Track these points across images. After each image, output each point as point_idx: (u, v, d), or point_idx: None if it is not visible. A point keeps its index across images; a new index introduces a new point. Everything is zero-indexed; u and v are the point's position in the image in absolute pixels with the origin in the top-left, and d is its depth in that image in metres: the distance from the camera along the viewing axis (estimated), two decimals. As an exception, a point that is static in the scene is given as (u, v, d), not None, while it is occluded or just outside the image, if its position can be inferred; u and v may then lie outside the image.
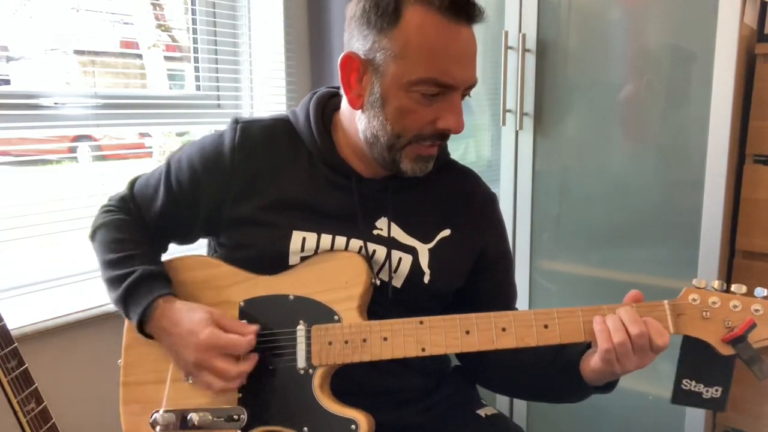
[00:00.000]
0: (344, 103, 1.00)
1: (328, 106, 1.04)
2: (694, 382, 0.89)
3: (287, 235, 0.98)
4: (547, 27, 1.67)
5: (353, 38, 0.94)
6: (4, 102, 1.44)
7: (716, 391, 0.88)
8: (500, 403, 1.88)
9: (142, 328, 0.96)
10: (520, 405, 1.88)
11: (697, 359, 0.88)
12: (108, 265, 1.00)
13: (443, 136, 0.97)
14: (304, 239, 0.98)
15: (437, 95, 0.91)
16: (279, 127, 1.05)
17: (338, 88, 1.06)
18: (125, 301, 0.96)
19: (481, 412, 1.08)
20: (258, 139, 1.02)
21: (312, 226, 0.99)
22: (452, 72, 0.90)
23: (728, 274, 1.59)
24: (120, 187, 1.12)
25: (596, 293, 1.73)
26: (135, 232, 1.04)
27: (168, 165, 1.06)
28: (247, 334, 0.91)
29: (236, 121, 1.03)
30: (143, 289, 0.95)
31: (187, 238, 1.10)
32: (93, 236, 1.06)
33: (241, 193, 1.00)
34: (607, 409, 1.74)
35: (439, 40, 0.89)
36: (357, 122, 0.97)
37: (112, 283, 0.98)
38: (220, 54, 1.91)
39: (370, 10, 0.91)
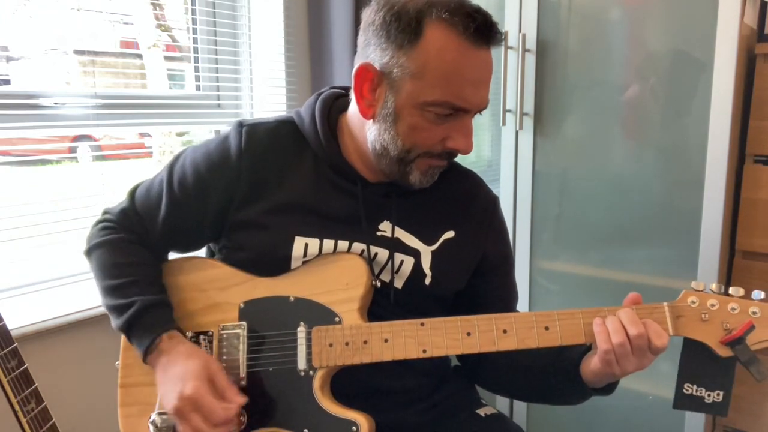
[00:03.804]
0: (353, 107, 0.99)
1: (333, 107, 1.03)
2: (695, 387, 0.89)
3: (290, 240, 0.98)
4: (547, 27, 1.67)
5: (370, 46, 0.92)
6: (4, 102, 1.44)
7: (718, 395, 0.88)
8: (500, 403, 1.88)
9: (145, 358, 0.94)
10: (520, 405, 1.88)
11: (697, 364, 0.88)
12: (108, 291, 0.99)
13: (451, 154, 0.97)
14: (306, 245, 0.98)
15: (450, 116, 0.91)
16: (284, 129, 1.04)
17: (343, 88, 1.06)
18: (128, 332, 0.96)
19: (481, 412, 1.08)
20: (264, 143, 1.01)
21: (315, 232, 0.98)
22: (468, 96, 0.90)
23: (728, 274, 1.59)
24: (119, 194, 1.10)
25: (596, 293, 1.73)
26: (135, 253, 1.02)
27: (170, 172, 1.04)
28: (231, 403, 0.87)
29: (241, 125, 1.02)
30: (145, 324, 0.94)
31: (191, 246, 1.08)
32: (89, 254, 1.03)
33: (247, 197, 1.00)
34: (607, 409, 1.75)
35: (458, 65, 0.88)
36: (367, 132, 0.97)
37: (113, 311, 0.97)
38: (220, 54, 1.90)
39: (391, 24, 0.89)
